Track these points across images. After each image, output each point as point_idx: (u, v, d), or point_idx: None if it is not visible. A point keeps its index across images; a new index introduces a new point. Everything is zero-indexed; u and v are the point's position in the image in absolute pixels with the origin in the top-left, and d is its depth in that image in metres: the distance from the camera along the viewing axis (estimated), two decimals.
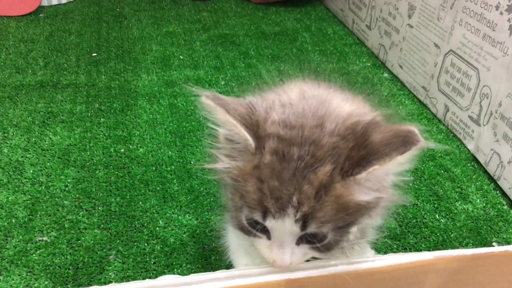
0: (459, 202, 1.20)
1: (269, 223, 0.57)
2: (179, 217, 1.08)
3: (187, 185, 1.17)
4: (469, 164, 1.33)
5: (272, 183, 0.55)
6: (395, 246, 1.06)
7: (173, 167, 1.23)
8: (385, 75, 1.75)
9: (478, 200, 1.21)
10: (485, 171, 1.30)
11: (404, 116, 1.52)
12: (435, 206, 1.18)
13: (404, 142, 0.53)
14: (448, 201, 1.20)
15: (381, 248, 1.06)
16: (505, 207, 1.19)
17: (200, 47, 1.85)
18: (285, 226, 0.56)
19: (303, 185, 0.54)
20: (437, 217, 1.15)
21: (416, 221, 1.13)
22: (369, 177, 0.55)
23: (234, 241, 0.94)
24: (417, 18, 1.61)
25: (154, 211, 1.09)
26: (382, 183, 0.57)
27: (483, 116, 1.32)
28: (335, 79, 0.80)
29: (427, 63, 1.56)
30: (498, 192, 1.24)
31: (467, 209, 1.18)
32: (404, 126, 0.56)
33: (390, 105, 1.56)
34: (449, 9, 1.45)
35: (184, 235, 1.04)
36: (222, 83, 1.62)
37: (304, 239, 0.59)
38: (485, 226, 1.13)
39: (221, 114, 0.57)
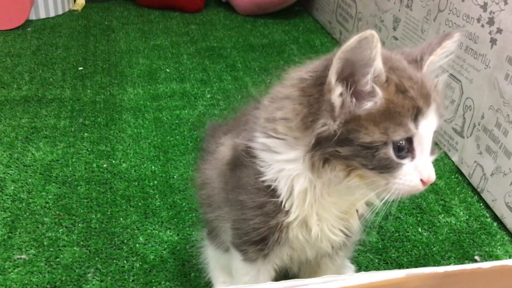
0: (442, 215, 1.19)
1: (422, 125, 0.63)
2: (160, 233, 1.08)
3: (169, 200, 1.17)
4: (453, 176, 1.33)
5: (413, 87, 0.63)
6: (376, 261, 1.06)
7: (155, 182, 1.22)
8: None
9: (462, 213, 1.21)
10: (469, 184, 1.30)
11: None
12: (418, 219, 1.18)
13: (444, 35, 0.71)
14: (431, 214, 1.20)
15: (362, 263, 1.05)
16: (488, 219, 1.19)
17: (187, 60, 1.85)
18: (433, 121, 0.64)
19: (425, 82, 0.64)
20: (420, 230, 1.15)
21: (399, 235, 1.13)
22: (435, 64, 0.69)
23: (212, 258, 0.93)
24: (402, 31, 1.61)
25: (134, 227, 1.09)
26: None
27: (467, 128, 1.32)
28: None
29: None
30: (481, 204, 1.23)
31: (450, 222, 1.18)
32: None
33: None
34: (432, 22, 1.45)
35: (164, 252, 1.04)
36: (208, 96, 1.62)
37: None
38: (467, 239, 1.13)
39: (377, 50, 0.60)
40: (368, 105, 0.62)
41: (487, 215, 1.20)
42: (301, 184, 0.70)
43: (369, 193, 0.68)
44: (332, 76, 0.61)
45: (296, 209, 0.72)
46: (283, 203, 0.72)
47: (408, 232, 1.14)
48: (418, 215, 1.19)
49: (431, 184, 1.24)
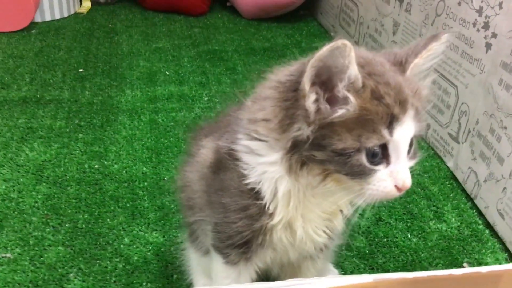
0: (433, 221, 1.18)
1: (397, 132, 0.61)
2: (146, 234, 1.08)
3: (157, 202, 1.17)
4: (447, 182, 1.31)
5: (389, 93, 0.61)
6: (362, 266, 1.05)
7: (146, 183, 1.23)
8: None
9: (453, 219, 1.19)
10: (463, 190, 1.28)
11: None
12: (408, 225, 1.16)
13: (431, 37, 0.69)
14: (422, 220, 1.18)
15: (347, 268, 1.04)
16: (481, 226, 1.17)
17: (187, 62, 1.86)
18: (409, 128, 0.62)
19: (403, 87, 0.62)
20: (409, 236, 1.13)
21: (387, 240, 1.12)
22: (421, 66, 0.68)
23: (193, 261, 0.93)
24: (401, 35, 1.60)
25: (121, 228, 1.09)
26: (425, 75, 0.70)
27: (462, 133, 1.30)
28: None
29: None
30: (474, 211, 1.21)
31: (441, 228, 1.16)
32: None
33: None
34: (430, 26, 1.44)
35: (148, 253, 1.04)
36: (206, 99, 1.62)
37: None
38: (457, 246, 1.11)
39: (353, 52, 0.59)
40: (341, 112, 0.61)
41: (480, 222, 1.18)
42: (285, 186, 0.69)
43: (347, 196, 0.68)
44: (305, 83, 0.61)
45: (281, 211, 0.72)
46: (267, 206, 0.71)
47: (397, 237, 1.13)
48: (408, 220, 1.18)
49: (424, 190, 1.24)
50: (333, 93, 0.61)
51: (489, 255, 1.09)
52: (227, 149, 0.74)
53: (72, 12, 2.25)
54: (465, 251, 1.10)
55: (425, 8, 1.46)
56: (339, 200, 0.73)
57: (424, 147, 1.45)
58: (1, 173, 1.23)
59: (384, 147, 0.62)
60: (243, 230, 0.74)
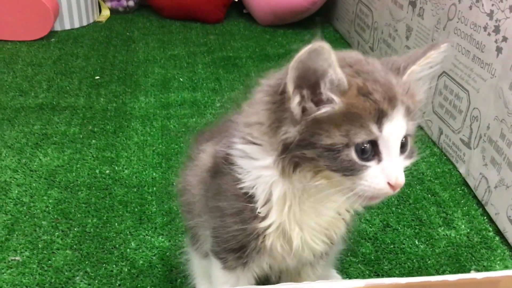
0: (442, 228, 1.16)
1: (386, 128, 0.62)
2: (152, 239, 1.09)
3: (165, 206, 1.18)
4: (458, 189, 1.29)
5: (378, 90, 0.62)
6: (367, 272, 1.04)
7: (154, 188, 1.24)
8: None
9: (463, 226, 1.17)
10: (475, 196, 1.26)
11: None
12: (416, 231, 1.15)
13: (430, 45, 0.68)
14: (431, 226, 1.17)
15: (352, 274, 1.04)
16: (491, 233, 1.15)
17: (201, 69, 1.87)
18: (399, 124, 0.62)
19: (394, 86, 0.63)
20: (416, 242, 1.12)
21: (394, 247, 1.11)
22: (418, 73, 0.67)
23: (195, 265, 0.94)
24: (414, 40, 1.59)
25: (128, 232, 1.10)
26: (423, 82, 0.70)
27: (473, 139, 1.28)
28: None
29: None
30: (485, 218, 1.19)
31: (450, 235, 1.14)
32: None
33: None
34: (442, 30, 1.43)
35: (154, 257, 1.05)
36: (218, 105, 1.63)
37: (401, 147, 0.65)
38: (465, 253, 1.09)
39: (332, 57, 0.60)
40: (325, 109, 0.61)
41: (490, 229, 1.16)
42: (279, 190, 0.70)
43: (342, 197, 0.67)
44: (289, 85, 0.61)
45: (274, 215, 0.72)
46: (258, 209, 0.72)
47: (404, 244, 1.11)
48: (416, 227, 1.16)
49: (434, 196, 1.22)
50: (317, 94, 0.62)
51: (498, 262, 1.07)
52: (223, 153, 0.75)
53: (91, 21, 2.30)
54: (473, 258, 1.08)
55: (437, 12, 1.45)
56: (337, 205, 0.73)
57: (437, 153, 1.43)
58: (15, 178, 1.26)
59: (374, 143, 0.63)
60: (238, 234, 0.75)
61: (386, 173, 0.63)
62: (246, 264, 0.78)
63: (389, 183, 0.63)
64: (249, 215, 0.73)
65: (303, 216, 0.74)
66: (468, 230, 1.16)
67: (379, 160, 0.63)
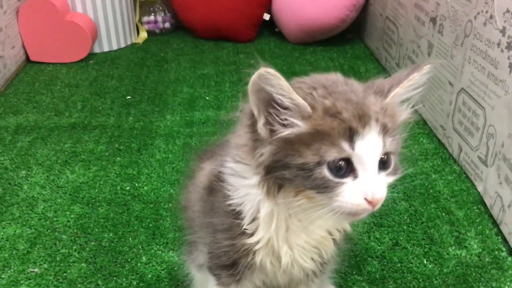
0: (453, 247, 1.15)
1: (358, 146, 0.62)
2: (163, 253, 1.13)
3: (178, 222, 1.22)
4: (475, 207, 1.27)
5: (348, 108, 0.63)
6: None
7: (170, 204, 1.29)
8: None
9: (475, 246, 1.15)
10: (491, 215, 1.23)
11: (417, 156, 1.48)
12: (425, 250, 1.14)
13: (414, 67, 0.68)
14: (442, 245, 1.15)
15: None
16: (503, 253, 1.12)
17: (228, 88, 1.92)
18: (373, 141, 0.63)
19: (371, 103, 0.64)
20: (425, 262, 1.11)
21: (401, 265, 1.10)
22: (401, 94, 0.68)
23: (196, 279, 0.97)
24: (435, 56, 1.58)
25: (140, 247, 1.15)
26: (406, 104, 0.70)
27: (490, 156, 1.26)
28: None
29: (444, 101, 1.52)
30: (499, 237, 1.17)
31: (460, 254, 1.13)
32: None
33: (404, 145, 1.53)
34: (460, 47, 1.41)
35: (162, 272, 1.09)
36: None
37: (380, 166, 0.65)
38: (474, 274, 1.07)
39: (282, 82, 0.62)
40: (290, 131, 0.64)
41: (503, 249, 1.14)
42: (266, 208, 0.72)
43: (324, 215, 0.68)
44: (253, 108, 0.64)
45: (261, 231, 0.74)
46: (245, 225, 0.74)
47: (411, 263, 1.11)
48: (426, 246, 1.15)
49: (448, 215, 1.21)
50: (280, 116, 0.64)
51: (508, 283, 1.05)
52: (216, 171, 0.78)
53: (129, 42, 2.40)
54: (482, 278, 1.06)
55: (455, 29, 1.43)
56: (324, 223, 0.75)
57: (457, 171, 1.41)
58: (42, 193, 1.34)
59: (348, 161, 0.63)
60: (228, 250, 0.77)
61: (362, 189, 0.64)
62: (239, 281, 0.81)
63: (366, 199, 0.64)
64: (237, 231, 0.76)
65: (290, 234, 0.76)
66: (480, 250, 1.14)
67: (355, 177, 0.64)
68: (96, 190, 1.35)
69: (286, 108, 0.63)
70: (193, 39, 2.45)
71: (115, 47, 2.34)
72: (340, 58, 2.18)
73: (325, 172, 0.64)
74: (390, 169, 0.67)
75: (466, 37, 1.37)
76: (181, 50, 2.33)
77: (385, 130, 0.64)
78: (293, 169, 0.65)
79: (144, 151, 1.53)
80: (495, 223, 1.21)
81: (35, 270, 1.09)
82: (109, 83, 1.99)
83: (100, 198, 1.32)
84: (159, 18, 2.50)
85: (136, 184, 1.37)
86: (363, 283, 1.06)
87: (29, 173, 1.42)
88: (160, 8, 2.50)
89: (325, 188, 0.64)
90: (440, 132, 1.55)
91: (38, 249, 1.15)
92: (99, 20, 2.25)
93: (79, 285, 1.05)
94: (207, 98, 1.85)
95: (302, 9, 2.23)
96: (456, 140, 1.44)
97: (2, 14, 1.94)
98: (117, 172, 1.42)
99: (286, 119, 0.64)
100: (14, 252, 1.14)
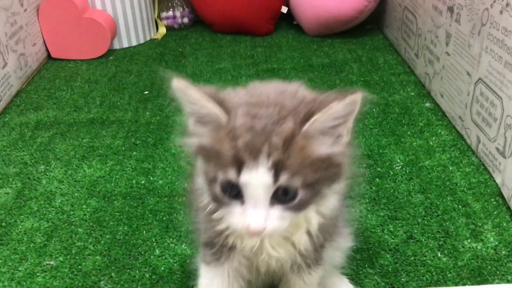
0: (469, 240, 1.13)
1: (244, 176, 0.62)
2: (176, 246, 1.14)
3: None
4: (492, 199, 1.24)
5: (245, 136, 0.62)
6: (382, 284, 1.03)
7: (184, 198, 1.30)
8: (427, 104, 1.69)
9: (492, 238, 1.13)
10: (509, 208, 1.21)
11: (435, 148, 1.46)
12: (440, 243, 1.12)
13: (343, 94, 0.62)
14: (457, 238, 1.14)
15: (367, 285, 1.03)
16: None
17: (245, 81, 1.91)
18: (259, 176, 0.61)
19: (272, 136, 0.62)
20: (439, 255, 1.09)
21: (414, 259, 1.09)
22: (317, 127, 0.63)
23: (204, 280, 0.97)
24: (453, 46, 1.55)
25: (154, 240, 1.17)
26: (334, 135, 0.65)
27: (508, 148, 1.24)
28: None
29: (462, 92, 1.49)
30: None
31: (476, 247, 1.11)
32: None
33: (422, 137, 1.51)
34: (477, 36, 1.38)
35: (175, 264, 1.10)
36: None
37: (277, 199, 0.64)
38: (490, 267, 1.06)
39: (193, 93, 0.64)
40: (198, 139, 0.67)
41: None
42: None
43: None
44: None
45: (226, 220, 0.74)
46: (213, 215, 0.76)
47: (425, 256, 1.09)
48: (441, 239, 1.14)
49: (465, 207, 1.20)
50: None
51: None
52: None
53: (148, 38, 2.42)
54: (498, 272, 1.04)
55: (472, 18, 1.40)
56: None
57: (475, 163, 1.38)
58: (60, 188, 1.36)
59: (235, 185, 0.64)
60: (207, 229, 0.79)
61: (243, 217, 0.65)
62: (219, 260, 0.82)
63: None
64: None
65: None
66: (497, 243, 1.12)
67: (242, 202, 0.65)
68: (112, 184, 1.37)
69: (201, 117, 0.66)
70: (210, 34, 2.45)
71: (134, 43, 2.36)
72: (358, 49, 2.16)
73: (217, 188, 0.66)
74: (291, 204, 0.64)
75: (483, 26, 1.34)
76: (199, 45, 2.34)
77: (281, 166, 0.61)
78: (203, 176, 0.69)
79: (160, 145, 1.54)
80: None
81: (51, 262, 1.12)
82: (128, 78, 2.01)
83: (116, 192, 1.34)
84: (178, 14, 2.51)
85: (151, 178, 1.38)
86: (375, 276, 1.05)
87: (47, 168, 1.45)
88: (179, 3, 2.51)
89: (219, 202, 0.67)
90: (458, 123, 1.52)
91: (54, 242, 1.18)
92: (118, 17, 2.27)
93: (93, 277, 1.07)
94: None
95: (320, 1, 2.21)
96: (474, 131, 1.41)
97: (23, 12, 1.98)
98: (133, 166, 1.44)
99: (198, 128, 0.67)
100: (31, 245, 1.17)
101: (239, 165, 0.62)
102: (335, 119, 0.63)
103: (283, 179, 0.62)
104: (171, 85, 0.65)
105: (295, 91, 0.69)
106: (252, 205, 0.64)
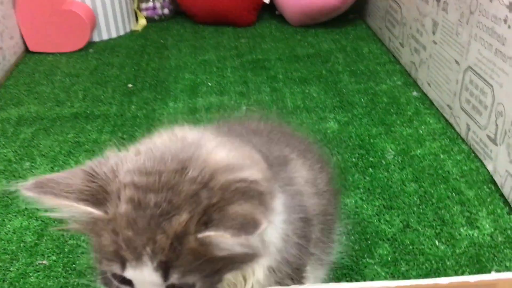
0: (465, 228, 1.13)
1: (129, 273, 0.55)
2: None
3: None
4: (485, 187, 1.25)
5: (126, 233, 0.54)
6: (383, 274, 1.03)
7: None
8: (414, 93, 1.70)
9: (487, 225, 1.14)
10: (502, 194, 1.22)
11: (425, 136, 1.46)
12: (437, 231, 1.13)
13: (241, 226, 0.52)
14: (453, 226, 1.14)
15: (367, 275, 1.03)
16: None
17: (230, 73, 1.90)
18: (144, 276, 0.55)
19: (157, 234, 0.53)
20: (437, 243, 1.10)
21: (412, 247, 1.09)
22: (209, 240, 0.53)
23: None
24: (440, 35, 1.55)
25: None
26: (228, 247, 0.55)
27: (499, 135, 1.25)
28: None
29: (450, 80, 1.50)
30: (511, 216, 1.16)
31: (472, 235, 1.11)
32: (258, 212, 0.53)
33: (412, 126, 1.51)
34: (465, 24, 1.39)
35: None
36: (244, 108, 1.65)
37: None
38: (487, 254, 1.06)
39: (50, 201, 0.57)
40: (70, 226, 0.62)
41: None
42: None
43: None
44: None
45: None
46: None
47: (423, 245, 1.10)
48: (438, 227, 1.14)
49: (458, 195, 1.20)
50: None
51: None
52: None
53: (128, 30, 2.37)
54: (495, 258, 1.05)
55: (460, 6, 1.41)
56: None
57: (465, 150, 1.39)
58: None
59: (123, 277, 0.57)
60: None
61: None
62: None
63: None
64: None
65: None
66: (492, 230, 1.13)
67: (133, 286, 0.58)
68: None
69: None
70: (192, 25, 2.42)
71: (114, 35, 2.31)
72: (342, 39, 2.16)
73: (107, 272, 0.59)
74: None
75: (471, 14, 1.35)
76: (181, 36, 2.30)
77: (169, 266, 0.54)
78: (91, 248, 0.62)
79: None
80: (506, 202, 1.19)
81: (44, 262, 1.08)
82: (110, 71, 1.97)
83: None
84: (158, 4, 2.47)
85: None
86: (375, 266, 1.05)
87: (33, 164, 1.41)
88: None
89: (109, 284, 0.60)
90: (447, 112, 1.53)
91: (45, 241, 1.14)
92: (97, 8, 2.22)
93: (88, 276, 1.04)
94: (210, 84, 1.83)
95: None
96: (464, 119, 1.42)
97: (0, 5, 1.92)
98: None
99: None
100: (21, 244, 1.13)
101: (122, 261, 0.55)
102: (229, 246, 0.54)
103: (174, 278, 0.54)
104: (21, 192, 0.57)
105: (200, 159, 0.58)
106: None
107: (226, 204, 0.54)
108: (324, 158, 0.95)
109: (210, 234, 0.53)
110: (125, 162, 0.60)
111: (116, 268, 0.56)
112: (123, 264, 0.55)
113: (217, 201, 0.54)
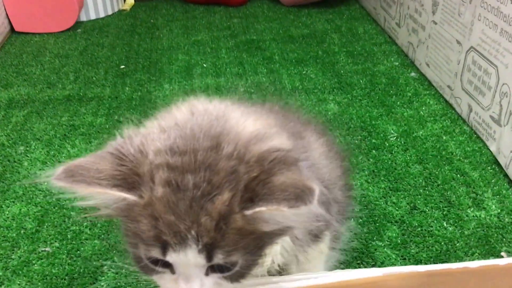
0: (472, 209, 1.13)
1: (171, 257, 0.53)
2: None
3: None
4: (489, 168, 1.25)
5: (167, 218, 0.52)
6: (393, 256, 1.02)
7: None
8: (412, 74, 1.69)
9: (494, 206, 1.14)
10: (506, 175, 1.22)
11: (426, 118, 1.45)
12: (444, 213, 1.13)
13: (297, 196, 0.50)
14: (460, 207, 1.14)
15: (378, 258, 1.02)
16: None
17: (225, 54, 1.87)
18: (188, 259, 0.53)
19: (201, 217, 0.51)
20: (445, 225, 1.10)
21: (421, 229, 1.09)
22: (259, 215, 0.52)
23: None
24: (440, 14, 1.54)
25: None
26: (282, 220, 0.53)
27: (504, 116, 1.24)
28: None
29: (451, 61, 1.49)
30: None
31: (479, 216, 1.11)
32: (306, 179, 0.52)
33: (412, 107, 1.51)
34: (468, 4, 1.37)
35: None
36: (241, 89, 1.62)
37: (214, 268, 0.55)
38: (496, 235, 1.07)
39: (82, 189, 0.54)
40: (103, 213, 0.60)
41: None
42: None
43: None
44: None
45: None
46: None
47: (431, 226, 1.09)
48: (445, 208, 1.14)
49: (463, 176, 1.19)
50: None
51: None
52: None
53: (116, 9, 2.31)
54: (504, 239, 1.06)
55: None
56: None
57: (467, 131, 1.39)
58: (44, 169, 1.29)
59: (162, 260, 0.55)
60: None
61: (175, 285, 0.56)
62: None
63: None
64: None
65: None
66: (499, 211, 1.13)
67: (173, 272, 0.57)
68: None
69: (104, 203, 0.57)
70: (182, 4, 2.37)
71: (102, 14, 2.25)
72: (336, 19, 2.13)
73: (143, 257, 0.56)
74: (228, 273, 0.56)
75: None
76: (171, 16, 2.25)
77: (214, 246, 0.52)
78: (123, 233, 0.60)
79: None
80: (511, 183, 1.20)
81: (47, 249, 1.05)
82: (100, 52, 1.92)
83: None
84: None
85: None
86: (385, 249, 1.04)
87: (28, 149, 1.36)
88: None
89: (149, 270, 0.58)
90: (447, 93, 1.52)
91: (47, 227, 1.11)
92: None
93: (94, 262, 1.02)
94: (204, 65, 1.79)
95: None
96: (466, 100, 1.42)
97: None
98: None
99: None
100: (22, 231, 1.10)
101: (164, 246, 0.53)
102: (278, 216, 0.52)
103: (219, 258, 0.53)
104: (52, 183, 0.54)
105: (231, 132, 0.56)
106: (184, 279, 0.56)
107: (268, 176, 0.52)
108: (332, 138, 0.94)
109: (262, 209, 0.51)
110: (151, 141, 0.57)
111: (156, 253, 0.54)
112: (165, 249, 0.53)
113: (257, 174, 0.52)
